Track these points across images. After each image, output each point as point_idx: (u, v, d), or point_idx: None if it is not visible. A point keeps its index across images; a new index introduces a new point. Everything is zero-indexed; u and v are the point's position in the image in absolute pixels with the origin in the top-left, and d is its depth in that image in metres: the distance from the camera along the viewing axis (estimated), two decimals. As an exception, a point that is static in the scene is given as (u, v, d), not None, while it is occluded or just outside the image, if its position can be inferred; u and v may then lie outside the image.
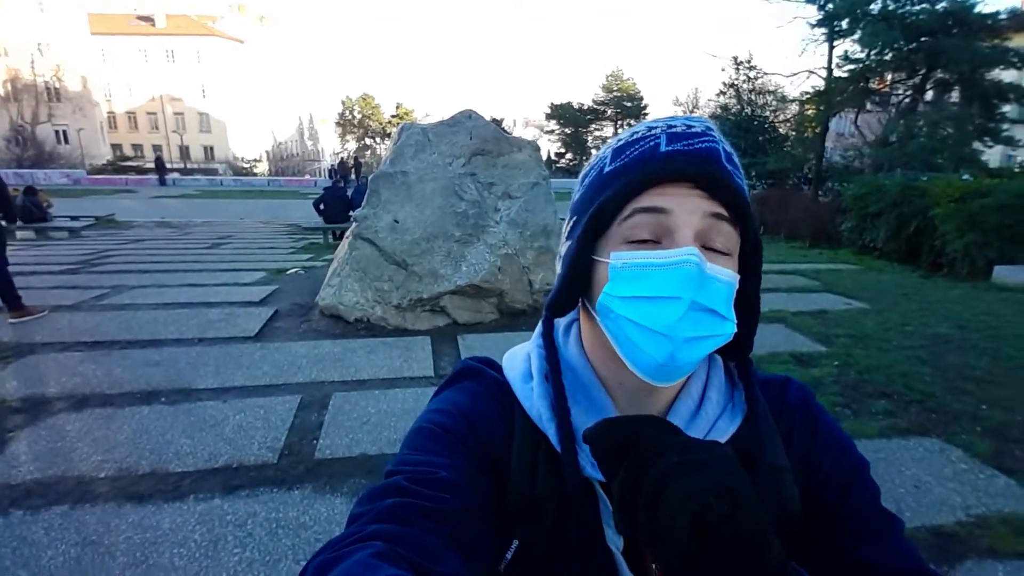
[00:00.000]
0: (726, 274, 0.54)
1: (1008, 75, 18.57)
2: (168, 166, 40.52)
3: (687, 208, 0.53)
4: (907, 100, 20.20)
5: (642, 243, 0.54)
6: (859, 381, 4.26)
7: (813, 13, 21.64)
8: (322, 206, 11.64)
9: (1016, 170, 16.81)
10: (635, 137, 0.57)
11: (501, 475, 0.59)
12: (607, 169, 0.58)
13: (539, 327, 0.66)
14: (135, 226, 14.68)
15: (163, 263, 8.81)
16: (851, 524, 0.61)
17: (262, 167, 57.19)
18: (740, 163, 0.58)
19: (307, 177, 46.86)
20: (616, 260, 0.54)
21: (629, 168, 0.55)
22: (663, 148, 0.54)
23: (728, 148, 0.56)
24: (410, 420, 3.46)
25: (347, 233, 6.04)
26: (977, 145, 17.79)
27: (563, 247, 0.62)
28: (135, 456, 3.05)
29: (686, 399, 0.62)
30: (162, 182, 34.51)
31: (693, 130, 0.55)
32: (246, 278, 7.59)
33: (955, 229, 8.99)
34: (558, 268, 0.63)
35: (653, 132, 0.56)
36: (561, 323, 0.68)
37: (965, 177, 12.65)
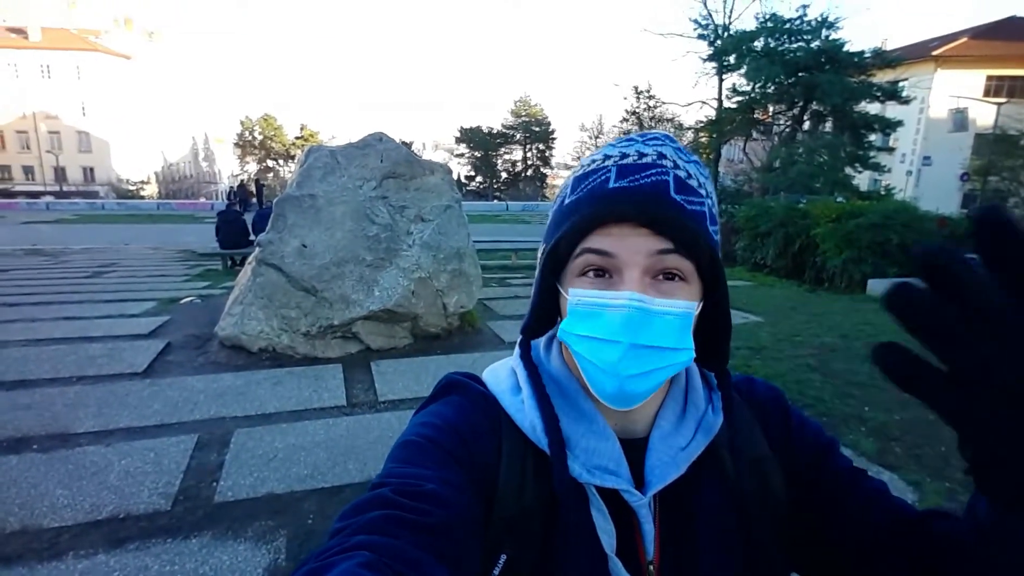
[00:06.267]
0: (679, 305, 0.56)
1: (873, 107, 20.90)
2: (41, 189, 36.81)
3: (631, 249, 0.55)
4: (787, 129, 22.16)
5: (598, 275, 0.57)
6: (760, 390, 4.52)
7: (704, 48, 23.42)
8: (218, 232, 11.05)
9: (883, 193, 18.80)
10: (592, 167, 0.59)
11: (489, 488, 0.59)
12: (567, 201, 0.60)
13: (518, 347, 0.68)
14: (0, 255, 13.21)
15: (34, 295, 7.92)
16: (844, 486, 0.64)
17: (151, 189, 53.46)
18: (702, 179, 0.59)
19: (202, 200, 44.29)
20: (572, 297, 0.58)
21: (581, 204, 0.57)
22: (611, 184, 0.56)
23: (682, 173, 0.57)
24: (322, 453, 3.30)
25: (250, 259, 5.73)
26: (849, 170, 19.77)
27: (536, 273, 0.65)
28: (1, 512, 2.68)
29: (671, 404, 0.65)
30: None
31: (644, 160, 0.56)
32: (133, 309, 6.98)
33: (834, 247, 9.86)
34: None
35: (606, 164, 0.57)
36: (543, 337, 0.70)
37: (840, 199, 13.96)
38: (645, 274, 0.55)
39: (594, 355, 0.55)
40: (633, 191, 0.54)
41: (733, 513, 0.62)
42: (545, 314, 0.63)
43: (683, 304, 0.56)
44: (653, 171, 0.55)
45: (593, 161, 0.59)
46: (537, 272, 0.63)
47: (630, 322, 0.53)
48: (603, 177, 0.56)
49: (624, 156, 0.57)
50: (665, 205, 0.54)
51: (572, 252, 0.57)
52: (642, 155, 0.56)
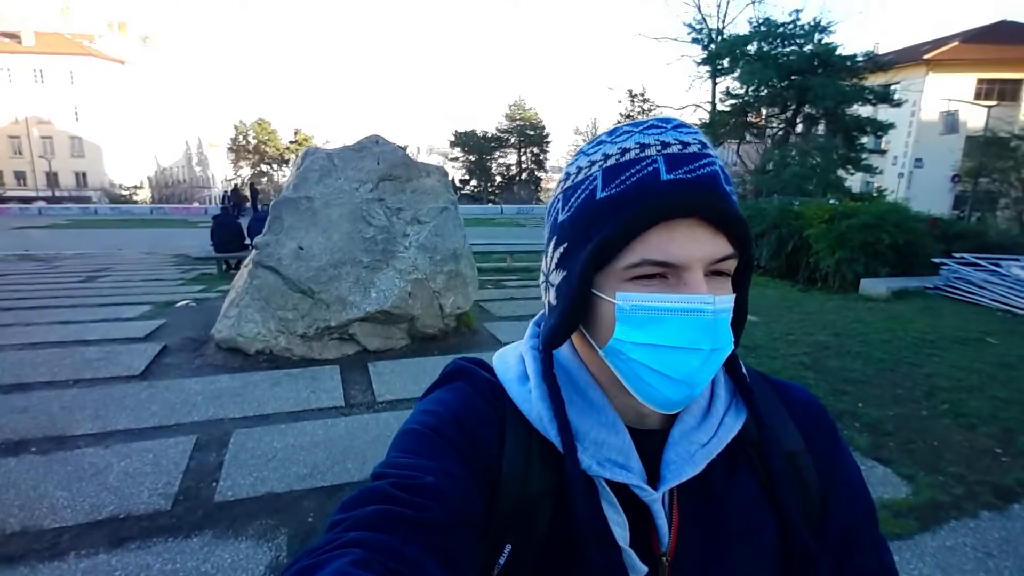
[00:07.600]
0: (730, 300, 0.54)
1: (865, 110, 21.08)
2: (33, 194, 36.61)
3: (698, 255, 0.51)
4: (780, 132, 22.31)
5: (650, 276, 0.52)
6: (755, 389, 4.56)
7: (698, 52, 23.59)
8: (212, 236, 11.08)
9: (875, 194, 18.94)
10: (627, 158, 0.52)
11: (492, 478, 0.57)
12: (600, 195, 0.53)
13: (529, 333, 0.65)
14: (-6, 260, 13.14)
15: (29, 299, 7.90)
16: (856, 532, 0.66)
17: (144, 194, 53.20)
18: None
19: (196, 204, 44.17)
20: (624, 302, 0.52)
21: (628, 199, 0.51)
22: (664, 176, 0.50)
23: (720, 163, 0.53)
24: (321, 453, 3.31)
25: (246, 261, 5.73)
26: (841, 172, 19.92)
27: (553, 275, 0.59)
28: (1, 514, 2.69)
29: (698, 399, 0.61)
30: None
31: (690, 150, 0.52)
32: (129, 312, 6.97)
33: (826, 247, 9.92)
34: (547, 297, 0.61)
35: (648, 153, 0.52)
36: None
37: (832, 201, 14.05)
38: (705, 272, 0.52)
39: (665, 365, 0.51)
40: (694, 183, 0.50)
41: (763, 504, 0.60)
42: (575, 322, 0.57)
43: (732, 298, 0.54)
44: (705, 161, 0.51)
45: (624, 149, 0.53)
46: (566, 274, 0.56)
47: (708, 327, 0.51)
48: (650, 168, 0.51)
49: (666, 145, 0.52)
50: (723, 198, 0.51)
51: (620, 254, 0.52)
52: (685, 144, 0.52)
